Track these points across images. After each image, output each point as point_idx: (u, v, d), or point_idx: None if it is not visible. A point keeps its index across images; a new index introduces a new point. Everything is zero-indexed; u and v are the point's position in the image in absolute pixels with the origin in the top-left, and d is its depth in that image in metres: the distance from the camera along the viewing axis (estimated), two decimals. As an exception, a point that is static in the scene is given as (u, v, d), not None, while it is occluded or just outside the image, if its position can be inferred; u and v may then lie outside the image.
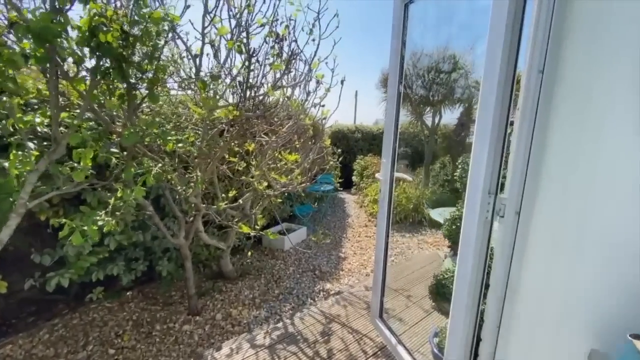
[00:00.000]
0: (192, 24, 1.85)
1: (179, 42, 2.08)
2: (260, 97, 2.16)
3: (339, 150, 5.26)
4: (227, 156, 2.83)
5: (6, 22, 1.45)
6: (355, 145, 9.47)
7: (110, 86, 1.73)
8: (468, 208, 1.21)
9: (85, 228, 1.75)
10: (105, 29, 1.38)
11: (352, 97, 16.47)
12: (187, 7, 1.92)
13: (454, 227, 2.46)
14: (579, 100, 0.94)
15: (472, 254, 1.22)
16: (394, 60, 1.82)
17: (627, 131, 0.84)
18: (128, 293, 3.24)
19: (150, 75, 1.76)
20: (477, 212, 1.16)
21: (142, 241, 2.89)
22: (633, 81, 0.81)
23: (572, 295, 0.98)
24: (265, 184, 2.52)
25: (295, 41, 2.38)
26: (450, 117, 7.08)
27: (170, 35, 1.79)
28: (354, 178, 8.15)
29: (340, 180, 5.00)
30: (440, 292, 2.31)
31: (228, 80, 2.21)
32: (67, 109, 1.95)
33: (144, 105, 2.53)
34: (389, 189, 1.89)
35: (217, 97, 1.94)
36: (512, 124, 1.13)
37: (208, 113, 1.79)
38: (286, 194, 4.05)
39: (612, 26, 0.86)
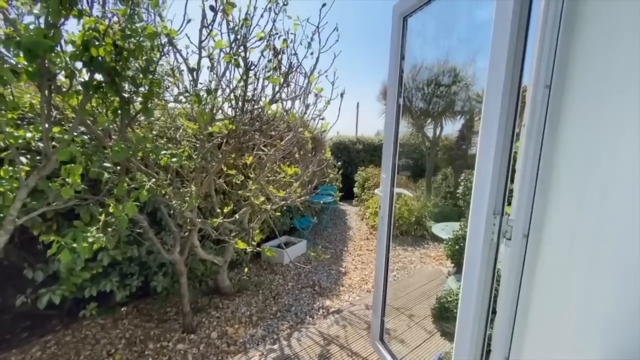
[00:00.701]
0: (188, 38, 1.84)
1: (177, 55, 2.06)
2: (259, 111, 2.13)
3: (339, 163, 5.21)
4: (225, 169, 2.79)
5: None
6: (356, 156, 9.44)
7: (106, 100, 1.70)
8: (472, 229, 1.14)
9: (75, 245, 1.70)
10: (97, 43, 1.35)
11: (354, 108, 16.53)
12: (188, 21, 1.90)
13: (456, 247, 2.37)
14: (591, 116, 0.89)
15: (477, 278, 1.15)
16: (392, 73, 1.78)
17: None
18: (123, 309, 3.16)
19: (145, 89, 1.73)
20: (481, 234, 1.10)
21: (137, 256, 2.82)
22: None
23: (589, 325, 0.91)
24: (262, 198, 2.46)
25: (296, 54, 2.37)
26: (451, 128, 7.06)
27: (166, 49, 1.77)
28: (355, 189, 8.08)
29: (341, 194, 4.94)
30: (444, 316, 2.21)
31: (226, 93, 2.19)
32: (62, 123, 1.93)
33: (142, 118, 2.51)
34: (389, 205, 1.82)
35: (214, 111, 1.91)
36: (517, 140, 1.08)
37: (202, 128, 1.75)
38: (285, 207, 3.99)
39: (629, 36, 0.81)
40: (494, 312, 1.19)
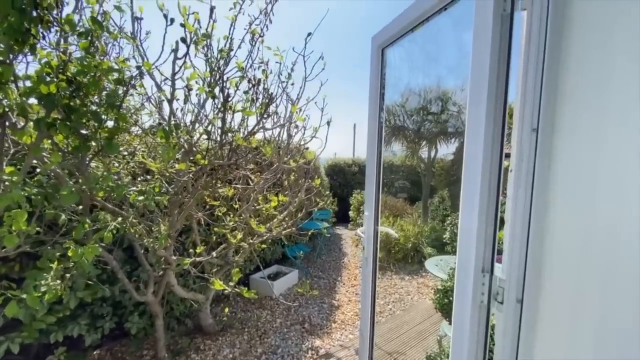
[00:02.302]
0: (159, 70, 1.75)
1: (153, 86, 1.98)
2: (236, 144, 2.02)
3: (328, 192, 5.08)
4: (208, 200, 2.66)
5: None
6: (352, 178, 9.33)
7: (68, 138, 1.58)
8: (459, 289, 0.99)
9: (24, 296, 1.53)
10: (49, 79, 1.25)
11: (352, 129, 16.61)
12: (172, 51, 1.83)
13: (446, 300, 2.18)
14: (586, 161, 0.76)
15: (467, 345, 0.98)
16: (373, 104, 1.69)
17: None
18: (95, 352, 2.91)
19: (112, 124, 1.62)
20: (469, 295, 0.95)
21: (111, 295, 2.63)
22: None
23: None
24: (240, 235, 2.30)
25: (281, 83, 2.30)
26: (445, 150, 6.98)
27: (134, 81, 1.68)
28: (350, 213, 7.90)
29: (334, 220, 4.79)
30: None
31: (204, 126, 2.09)
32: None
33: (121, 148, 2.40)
34: (374, 246, 1.68)
35: (186, 146, 1.79)
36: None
37: (167, 165, 1.63)
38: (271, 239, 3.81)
39: (618, 72, 0.70)
40: (490, 383, 1.02)
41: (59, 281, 1.65)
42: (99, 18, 1.41)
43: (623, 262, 0.70)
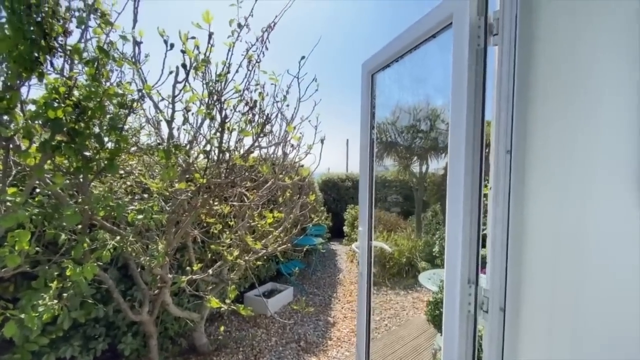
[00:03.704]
0: (160, 94, 1.83)
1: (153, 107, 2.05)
2: (233, 162, 2.08)
3: (323, 208, 5.14)
4: (203, 217, 2.69)
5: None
6: (346, 193, 9.41)
7: (69, 159, 1.63)
8: (447, 300, 1.05)
9: (23, 316, 1.54)
10: (56, 104, 1.32)
11: (344, 144, 16.81)
12: (171, 72, 1.91)
13: (437, 312, 2.23)
14: (555, 179, 0.85)
15: (457, 353, 1.03)
16: (364, 126, 1.78)
17: (617, 213, 0.73)
18: (85, 376, 2.83)
19: (112, 145, 1.68)
20: (457, 306, 1.01)
21: (104, 315, 2.60)
22: (612, 155, 0.73)
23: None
24: (236, 252, 2.33)
25: (276, 102, 2.40)
26: (437, 165, 7.14)
27: (136, 104, 1.75)
28: (345, 228, 7.93)
29: (329, 236, 4.82)
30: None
31: (201, 145, 2.16)
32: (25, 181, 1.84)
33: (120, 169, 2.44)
34: (368, 260, 1.73)
35: (185, 165, 1.85)
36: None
37: (168, 184, 1.69)
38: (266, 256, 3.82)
39: (578, 105, 0.80)
40: (480, 391, 1.06)
41: (56, 301, 1.66)
42: (105, 47, 1.49)
43: (593, 270, 0.77)
